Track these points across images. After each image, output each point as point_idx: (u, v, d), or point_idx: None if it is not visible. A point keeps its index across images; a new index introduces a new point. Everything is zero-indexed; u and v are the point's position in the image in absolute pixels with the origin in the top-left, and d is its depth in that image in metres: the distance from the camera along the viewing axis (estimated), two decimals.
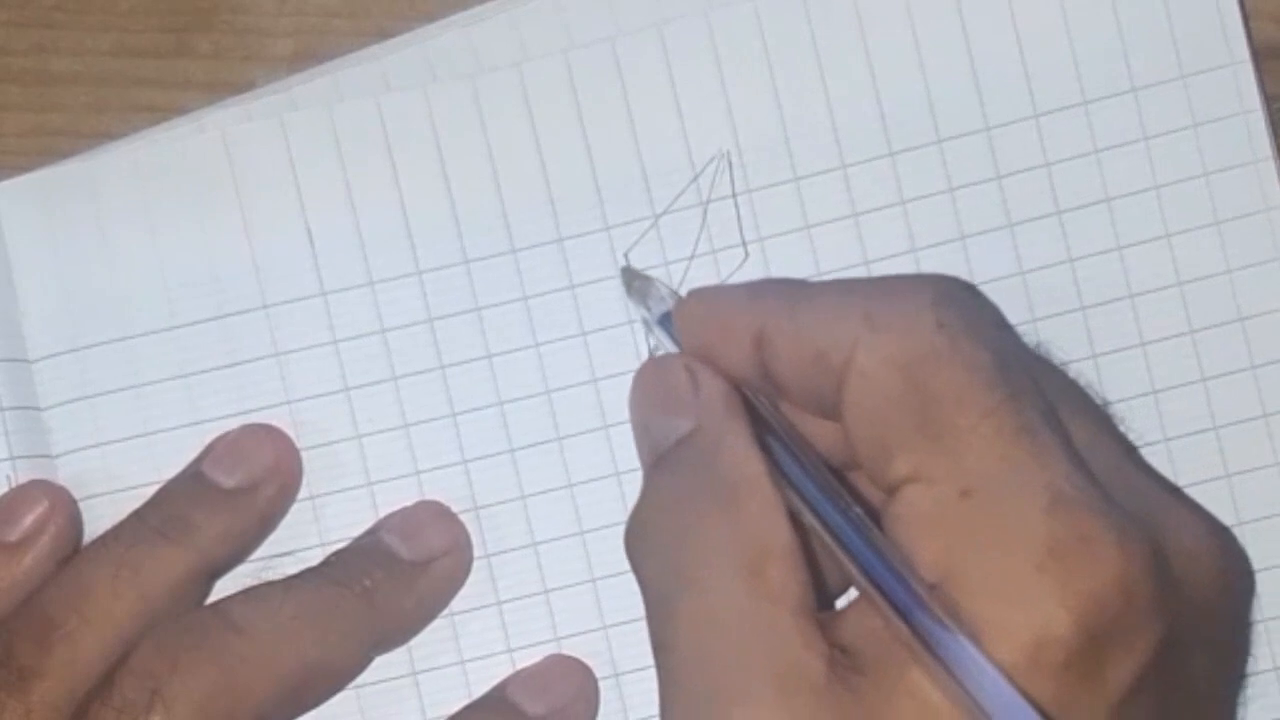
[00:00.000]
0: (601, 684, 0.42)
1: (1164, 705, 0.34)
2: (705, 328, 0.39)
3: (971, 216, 0.43)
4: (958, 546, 0.33)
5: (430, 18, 0.43)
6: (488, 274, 0.43)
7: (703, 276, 0.43)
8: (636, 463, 0.42)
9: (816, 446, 0.38)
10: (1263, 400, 0.43)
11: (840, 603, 0.39)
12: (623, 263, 0.43)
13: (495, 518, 0.43)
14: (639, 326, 0.43)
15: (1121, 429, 0.42)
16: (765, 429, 0.37)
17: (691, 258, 0.43)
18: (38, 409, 0.42)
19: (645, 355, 0.42)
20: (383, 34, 0.44)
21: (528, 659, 0.42)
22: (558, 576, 0.43)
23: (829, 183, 0.43)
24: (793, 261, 0.43)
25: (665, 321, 0.40)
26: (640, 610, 0.42)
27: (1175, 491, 0.41)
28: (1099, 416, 0.39)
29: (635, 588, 0.42)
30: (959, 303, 0.36)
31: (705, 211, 0.43)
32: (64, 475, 0.42)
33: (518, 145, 0.43)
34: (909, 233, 0.43)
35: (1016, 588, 0.32)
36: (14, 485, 0.42)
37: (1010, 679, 0.32)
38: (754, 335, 0.37)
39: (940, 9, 0.43)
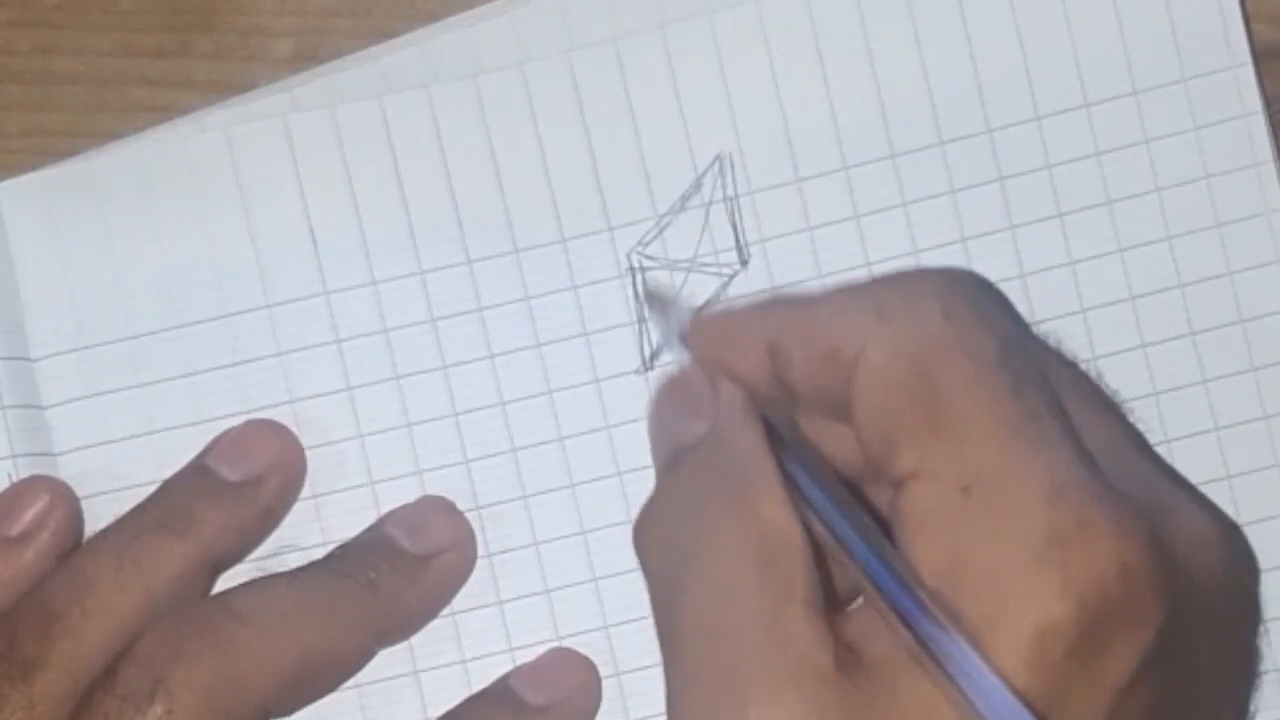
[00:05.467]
0: (603, 683, 0.42)
1: (1166, 693, 0.34)
2: (718, 343, 0.39)
3: (973, 218, 0.43)
4: (960, 543, 0.33)
5: (432, 18, 0.43)
6: (490, 274, 0.43)
7: (704, 277, 0.43)
8: (638, 463, 0.42)
9: (832, 459, 0.38)
10: (1263, 402, 0.43)
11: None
12: (631, 263, 0.43)
13: (497, 517, 0.43)
14: (641, 327, 0.43)
15: (1131, 419, 0.42)
16: (778, 440, 0.37)
17: (694, 259, 0.43)
18: (40, 407, 0.42)
19: (648, 356, 0.43)
20: (384, 34, 0.44)
21: (529, 658, 0.42)
22: (559, 576, 0.43)
23: (831, 184, 0.43)
24: (794, 263, 0.43)
25: (688, 336, 0.41)
26: (642, 610, 0.42)
27: (1182, 482, 0.41)
28: (1108, 406, 0.39)
29: (637, 588, 0.42)
30: (966, 292, 0.36)
31: (707, 212, 0.43)
32: (65, 474, 0.42)
33: (520, 145, 0.43)
34: (910, 234, 0.43)
35: (1017, 580, 0.32)
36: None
37: (1005, 677, 0.32)
38: (767, 344, 0.37)
39: (942, 11, 0.43)
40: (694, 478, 0.37)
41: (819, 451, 0.38)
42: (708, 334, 0.40)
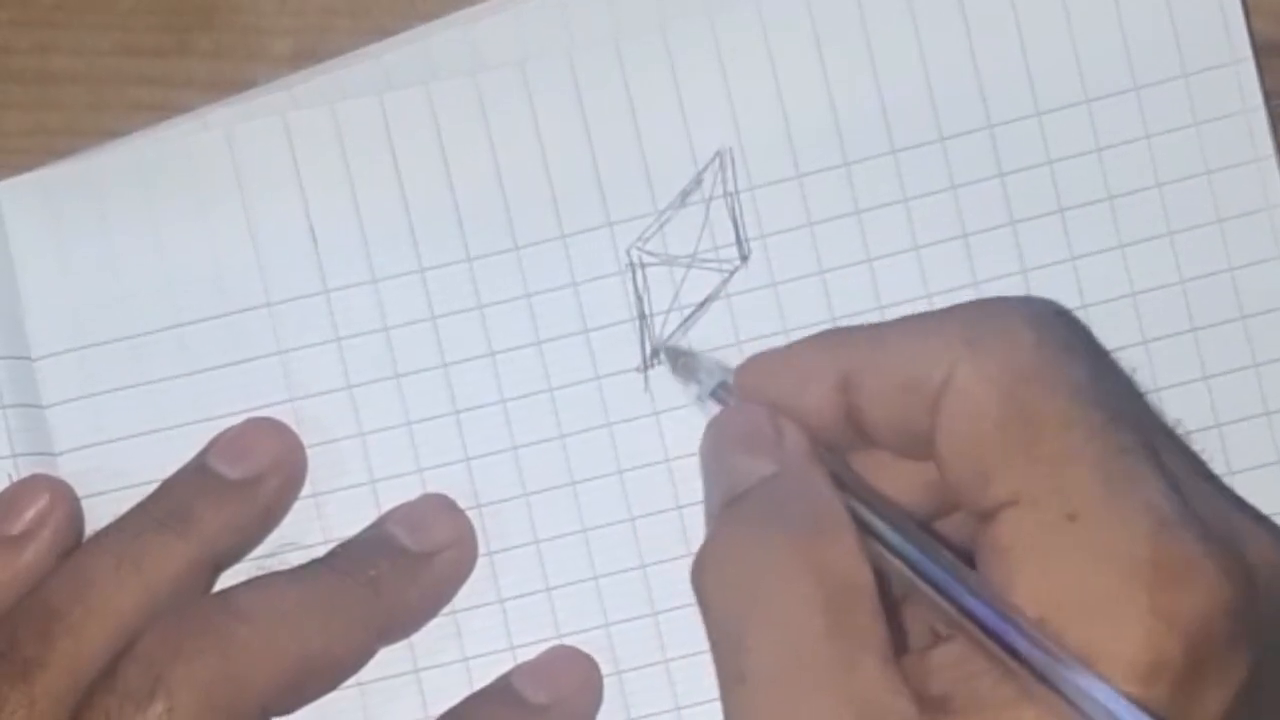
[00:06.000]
0: (604, 681, 0.42)
1: None
2: (777, 382, 0.39)
3: (974, 214, 0.43)
4: (1065, 570, 0.33)
5: (432, 16, 0.43)
6: (490, 271, 0.43)
7: (704, 275, 0.43)
8: (639, 460, 0.42)
9: (898, 497, 0.37)
10: (1265, 398, 0.43)
11: None
12: (631, 259, 0.43)
13: (498, 515, 0.43)
14: (641, 324, 0.43)
15: (1195, 448, 0.42)
16: (846, 481, 0.37)
17: (694, 255, 0.43)
18: (40, 407, 0.42)
19: (648, 353, 0.42)
20: (384, 32, 0.44)
21: (530, 656, 0.42)
22: (560, 574, 0.43)
23: (831, 180, 0.43)
24: (795, 259, 0.43)
25: (720, 393, 0.40)
26: (642, 608, 0.42)
27: (1250, 510, 0.41)
28: (1180, 441, 0.39)
29: (637, 586, 0.42)
30: (1055, 323, 0.36)
31: (708, 208, 0.43)
32: (65, 473, 0.42)
33: (520, 142, 0.43)
34: (911, 230, 0.43)
35: (1127, 611, 0.32)
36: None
37: (1136, 702, 0.31)
38: (839, 378, 0.37)
39: (943, 7, 0.43)
40: (760, 519, 0.36)
41: (886, 495, 0.37)
42: (761, 373, 0.40)
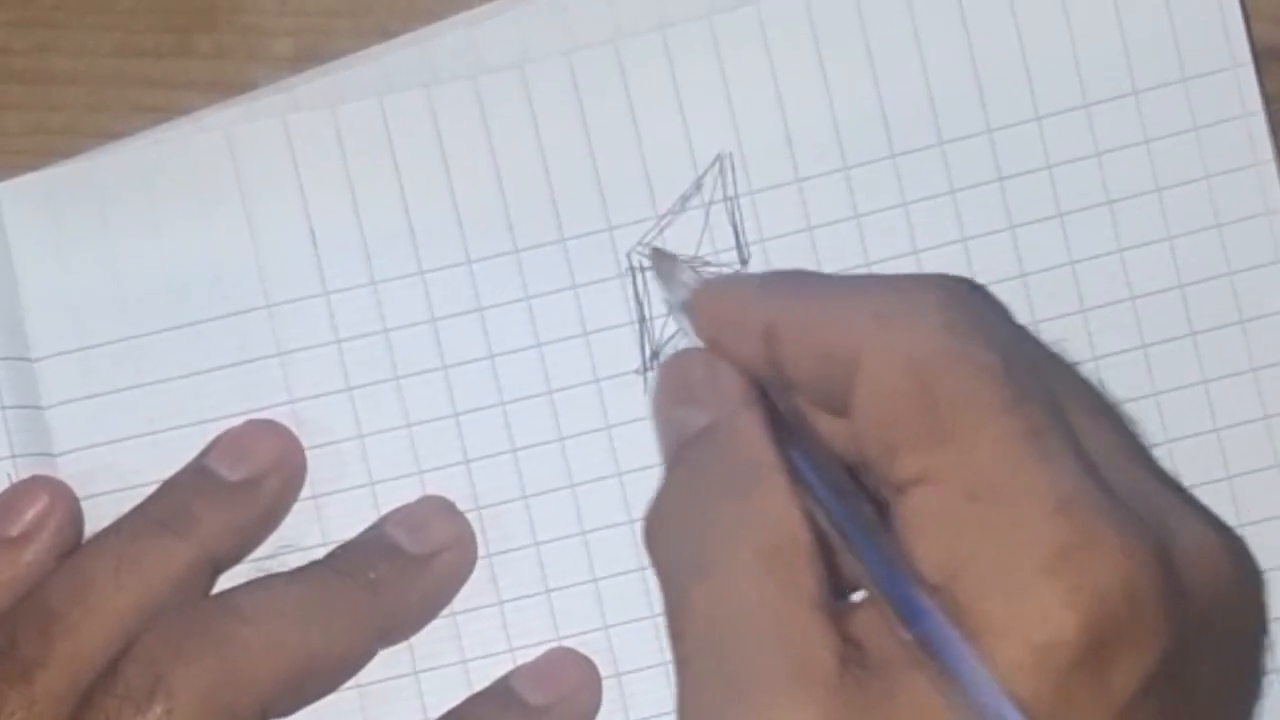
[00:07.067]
0: (603, 683, 0.42)
1: (1169, 713, 0.33)
2: (718, 319, 0.39)
3: (973, 218, 0.43)
4: (964, 548, 0.33)
5: (432, 18, 0.43)
6: (490, 274, 0.43)
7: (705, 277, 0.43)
8: (638, 463, 0.42)
9: (830, 443, 0.38)
10: (1263, 402, 0.43)
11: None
12: (631, 262, 0.43)
13: (497, 517, 0.43)
14: (641, 327, 0.43)
15: (1132, 428, 0.42)
16: (780, 424, 0.37)
17: (694, 259, 0.43)
18: (40, 408, 0.42)
19: (648, 355, 0.43)
20: (384, 34, 0.44)
21: (529, 658, 0.42)
22: (559, 576, 0.43)
23: (831, 184, 0.43)
24: (795, 263, 0.43)
25: (689, 308, 0.40)
26: (641, 610, 0.42)
27: (1185, 494, 0.41)
28: (1110, 416, 0.39)
29: (637, 588, 0.42)
30: (966, 303, 0.36)
31: (707, 212, 0.43)
32: (65, 474, 0.42)
33: (520, 145, 0.43)
34: (910, 234, 0.43)
35: (1023, 589, 0.32)
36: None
37: (1007, 685, 0.31)
38: (764, 329, 0.37)
39: (942, 11, 0.43)
40: (698, 473, 0.37)
41: (820, 438, 0.38)
42: (708, 308, 0.40)
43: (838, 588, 0.35)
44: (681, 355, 0.40)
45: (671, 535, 0.37)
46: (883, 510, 0.35)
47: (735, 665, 0.34)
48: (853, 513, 0.35)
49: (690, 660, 0.35)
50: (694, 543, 0.36)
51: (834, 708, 0.33)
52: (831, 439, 0.38)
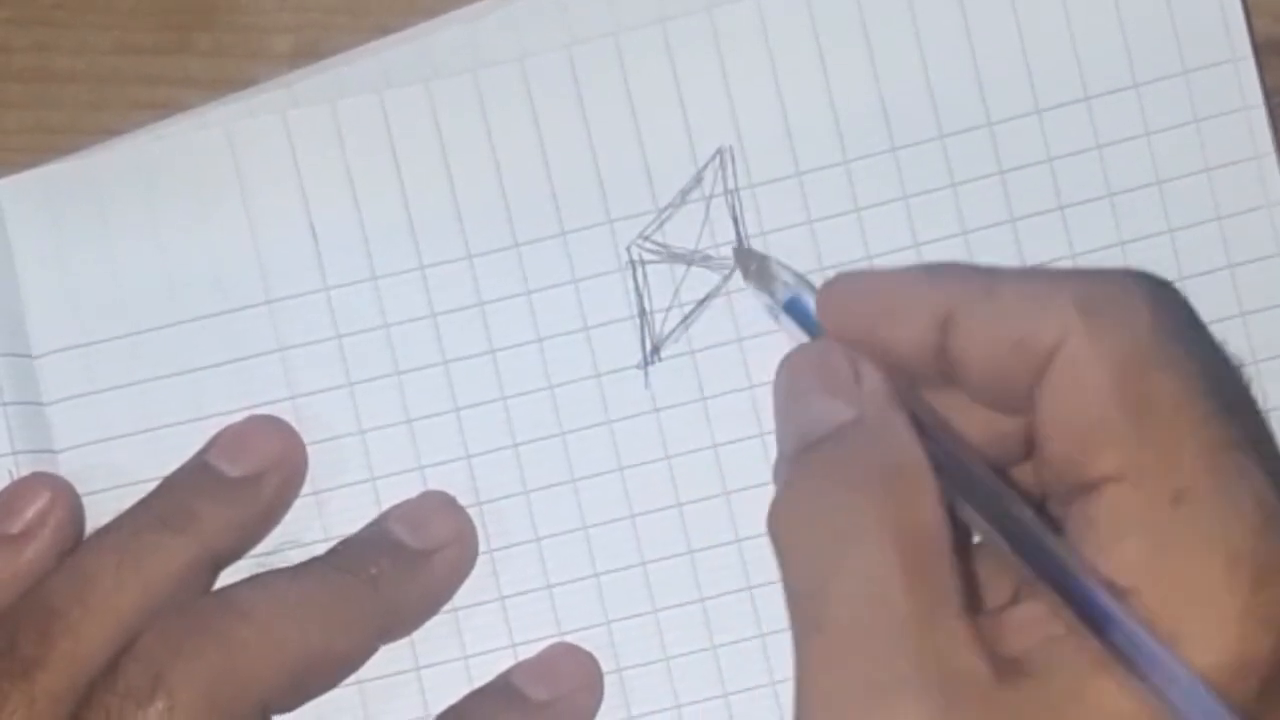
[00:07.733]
0: (604, 679, 0.42)
1: None
2: (867, 309, 0.38)
3: (974, 211, 0.43)
4: (1165, 550, 0.32)
5: (432, 13, 0.43)
6: (490, 268, 0.43)
7: (704, 272, 0.43)
8: (640, 457, 0.42)
9: (971, 440, 0.37)
10: (1264, 395, 0.43)
11: None
12: (631, 256, 0.43)
13: (498, 512, 0.43)
14: (642, 320, 0.43)
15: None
16: (925, 426, 0.36)
17: (694, 252, 0.43)
18: (40, 404, 0.42)
19: (649, 350, 0.43)
20: (384, 30, 0.44)
21: (531, 653, 0.42)
22: (561, 571, 0.42)
23: (831, 178, 0.43)
24: (795, 256, 0.43)
25: (793, 307, 0.40)
26: (642, 605, 0.42)
27: None
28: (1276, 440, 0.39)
29: (638, 583, 0.42)
30: (1172, 306, 0.35)
31: (708, 206, 0.43)
32: (66, 471, 0.42)
33: (520, 140, 0.43)
34: (911, 227, 0.43)
35: (1225, 601, 0.32)
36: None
37: (1212, 688, 0.31)
38: (940, 317, 0.36)
39: (942, 3, 0.43)
40: (840, 468, 0.36)
41: (964, 438, 0.37)
42: (849, 295, 0.39)
43: (970, 600, 0.34)
44: (817, 347, 0.39)
45: (806, 526, 0.35)
46: (1040, 512, 0.34)
47: (880, 671, 0.33)
48: (1015, 512, 0.34)
49: (827, 652, 0.34)
50: (833, 536, 0.34)
51: (991, 715, 0.32)
52: (974, 439, 0.37)
